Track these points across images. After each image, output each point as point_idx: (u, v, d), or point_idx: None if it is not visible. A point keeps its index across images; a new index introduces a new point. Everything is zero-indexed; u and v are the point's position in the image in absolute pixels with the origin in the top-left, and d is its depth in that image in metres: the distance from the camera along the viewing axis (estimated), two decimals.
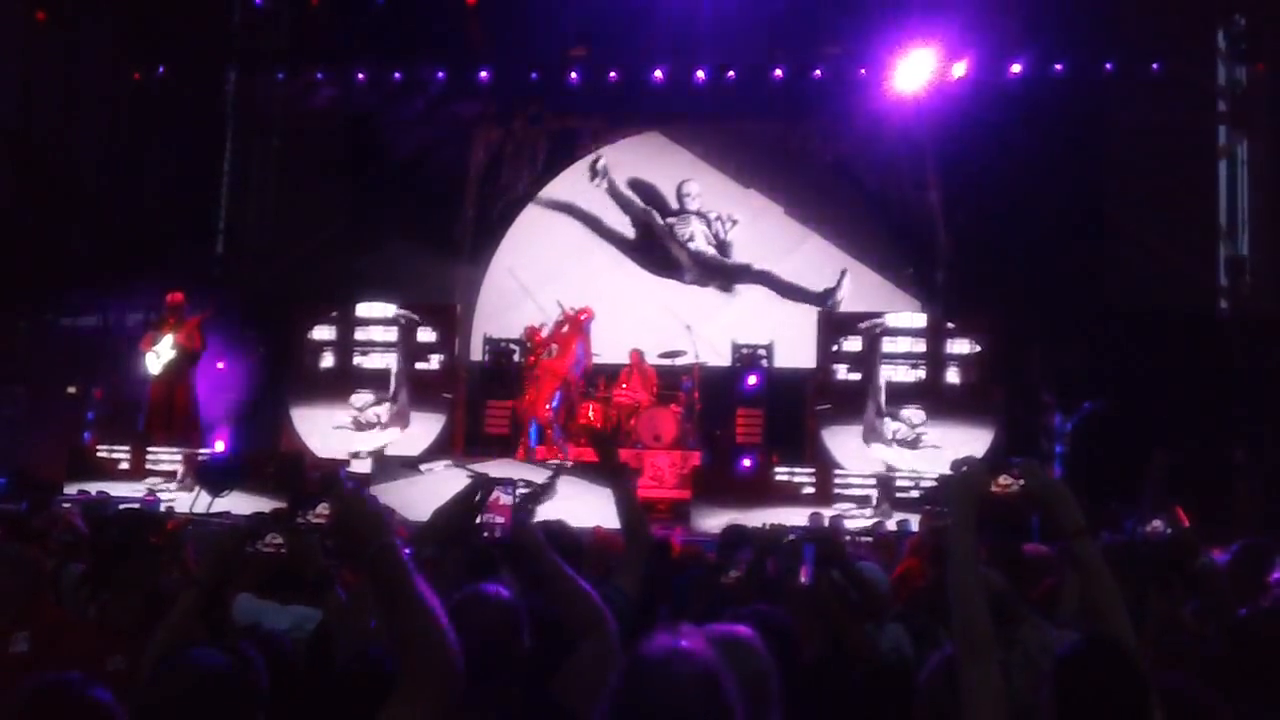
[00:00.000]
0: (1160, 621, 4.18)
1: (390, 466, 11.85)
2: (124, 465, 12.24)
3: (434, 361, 14.23)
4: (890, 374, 13.25)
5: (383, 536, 2.15)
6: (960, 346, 13.21)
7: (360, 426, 14.00)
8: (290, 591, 4.02)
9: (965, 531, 2.63)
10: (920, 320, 13.53)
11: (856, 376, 13.28)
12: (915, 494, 10.98)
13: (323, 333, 14.35)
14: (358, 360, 14.21)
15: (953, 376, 13.10)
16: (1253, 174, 15.25)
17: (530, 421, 13.22)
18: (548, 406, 13.16)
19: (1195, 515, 4.49)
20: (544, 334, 13.56)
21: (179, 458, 12.16)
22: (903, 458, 12.66)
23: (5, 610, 3.90)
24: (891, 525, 10.29)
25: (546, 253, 16.30)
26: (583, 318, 13.40)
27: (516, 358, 14.01)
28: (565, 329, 13.39)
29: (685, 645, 1.87)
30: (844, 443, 12.98)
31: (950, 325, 13.34)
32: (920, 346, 13.27)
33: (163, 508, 9.96)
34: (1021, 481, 2.73)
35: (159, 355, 12.84)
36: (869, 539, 8.09)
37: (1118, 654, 2.49)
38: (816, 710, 2.91)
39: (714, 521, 10.20)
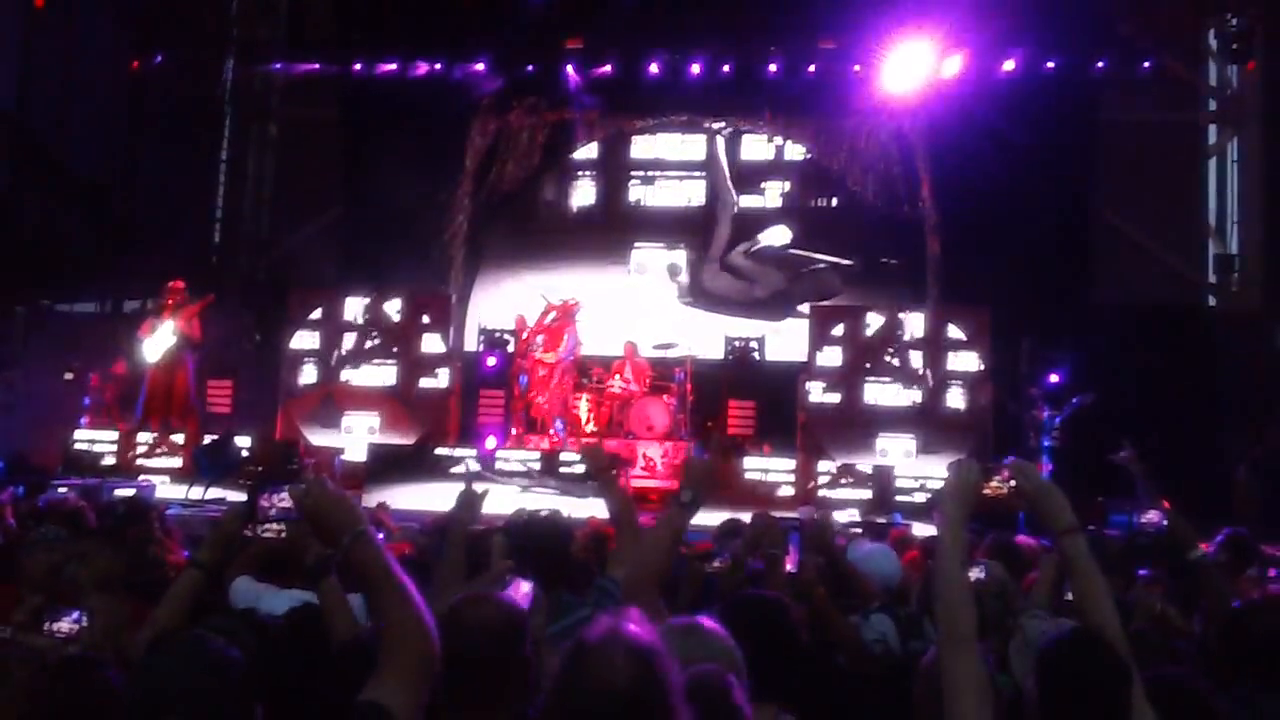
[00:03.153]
0: (1143, 614, 4.26)
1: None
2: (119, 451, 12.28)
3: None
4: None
5: (356, 525, 2.17)
6: (956, 362, 13.36)
7: None
8: (289, 575, 4.08)
9: (957, 528, 2.70)
10: (915, 321, 13.56)
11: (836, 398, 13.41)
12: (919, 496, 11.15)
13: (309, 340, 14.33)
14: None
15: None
16: (1242, 172, 15.37)
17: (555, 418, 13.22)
18: (541, 400, 13.22)
19: (1185, 508, 4.58)
20: (531, 325, 13.54)
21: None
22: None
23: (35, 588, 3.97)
24: (882, 519, 10.34)
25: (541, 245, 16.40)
26: (571, 309, 13.40)
27: (510, 348, 14.00)
28: (553, 320, 13.39)
29: (623, 628, 1.92)
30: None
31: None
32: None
33: (156, 494, 10.06)
34: (1013, 482, 2.85)
35: (158, 342, 12.87)
36: (859, 531, 8.14)
37: (1099, 643, 2.57)
38: (800, 697, 2.95)
39: (706, 513, 10.20)
